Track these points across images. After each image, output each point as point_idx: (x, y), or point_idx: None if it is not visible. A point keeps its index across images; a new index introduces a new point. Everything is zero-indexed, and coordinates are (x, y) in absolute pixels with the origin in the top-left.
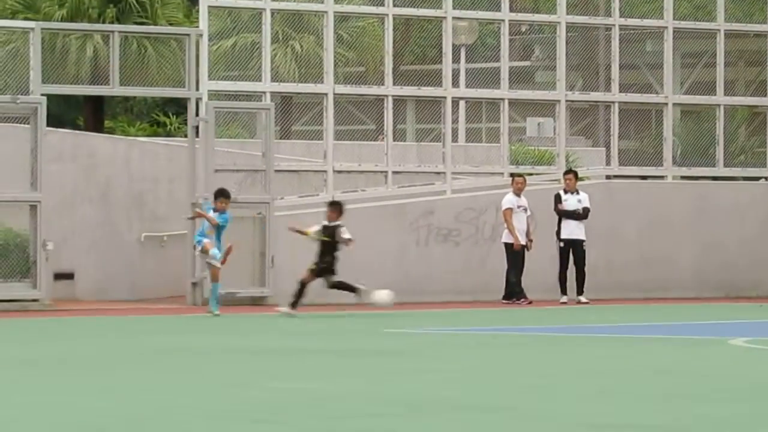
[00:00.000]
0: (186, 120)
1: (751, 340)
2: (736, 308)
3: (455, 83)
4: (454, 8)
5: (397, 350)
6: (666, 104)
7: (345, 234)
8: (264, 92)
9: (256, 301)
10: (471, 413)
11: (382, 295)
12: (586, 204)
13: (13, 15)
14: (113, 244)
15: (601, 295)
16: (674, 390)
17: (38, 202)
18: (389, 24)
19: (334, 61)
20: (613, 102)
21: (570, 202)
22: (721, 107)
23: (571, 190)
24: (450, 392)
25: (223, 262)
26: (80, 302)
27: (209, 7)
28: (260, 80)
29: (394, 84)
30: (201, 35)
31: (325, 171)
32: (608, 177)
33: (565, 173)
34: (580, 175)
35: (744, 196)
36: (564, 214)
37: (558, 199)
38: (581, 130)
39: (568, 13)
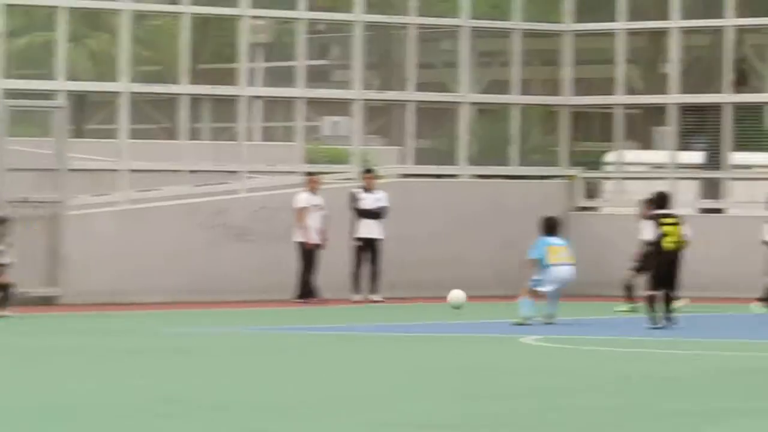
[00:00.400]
0: None
1: (541, 338)
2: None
3: (251, 82)
4: (250, 7)
5: (184, 349)
6: (461, 103)
7: None
8: (59, 91)
9: (47, 301)
10: (259, 412)
11: None
12: (384, 203)
13: None
14: None
15: (397, 294)
16: (464, 388)
17: None
18: (186, 22)
19: (130, 59)
20: (409, 101)
21: (368, 201)
22: (516, 106)
23: (371, 189)
24: (247, 391)
25: None
26: None
27: (5, 4)
28: (55, 78)
29: (190, 83)
30: None
31: (120, 170)
32: (403, 176)
33: (366, 172)
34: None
35: (538, 194)
36: (361, 213)
37: (355, 198)
38: (377, 128)
39: (364, 12)
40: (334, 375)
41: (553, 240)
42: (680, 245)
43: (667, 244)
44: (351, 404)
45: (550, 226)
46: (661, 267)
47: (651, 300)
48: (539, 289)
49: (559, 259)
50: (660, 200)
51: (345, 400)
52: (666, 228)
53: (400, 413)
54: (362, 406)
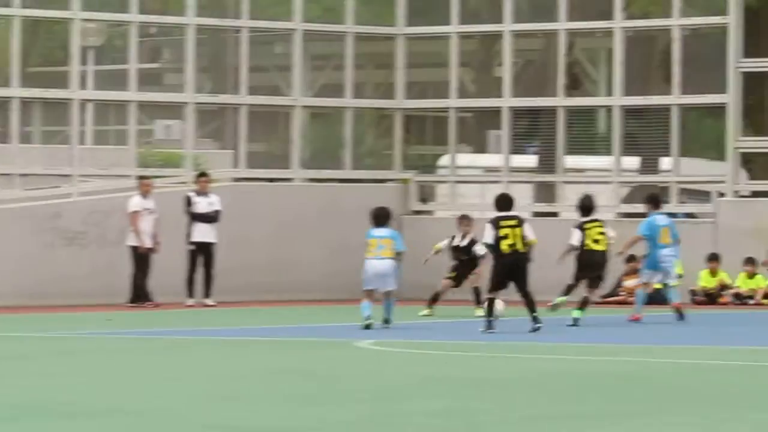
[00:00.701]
0: None
1: (376, 342)
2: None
3: (83, 85)
4: (82, 10)
5: (17, 354)
6: (294, 106)
7: None
8: None
9: None
10: (95, 418)
11: None
12: (218, 206)
13: None
14: None
15: (230, 298)
16: (298, 392)
17: None
18: (16, 25)
19: None
20: (242, 104)
21: (201, 205)
22: (350, 109)
23: (204, 192)
24: (71, 396)
25: None
26: None
27: None
28: None
29: (20, 86)
30: None
31: None
32: (237, 179)
33: (199, 176)
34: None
35: (372, 198)
36: (195, 217)
37: (189, 201)
38: (210, 132)
39: (196, 15)
40: (164, 379)
41: (375, 231)
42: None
43: (505, 247)
44: (180, 408)
45: (377, 217)
46: (499, 270)
47: (489, 304)
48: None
49: (374, 253)
50: (501, 203)
51: (174, 403)
52: (504, 231)
53: (229, 417)
54: (190, 410)
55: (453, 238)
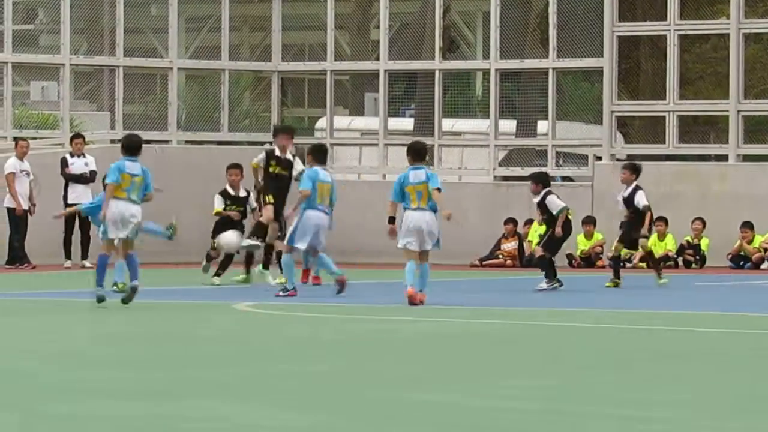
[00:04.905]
0: None
1: (254, 305)
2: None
3: None
4: None
5: None
6: (171, 69)
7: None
8: None
9: None
10: None
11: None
12: (93, 167)
13: None
14: None
15: None
16: (176, 354)
17: None
18: None
19: None
20: (118, 66)
21: (77, 166)
22: (226, 72)
23: (78, 153)
24: None
25: None
26: None
27: None
28: None
29: None
30: None
31: None
32: (113, 141)
33: (74, 137)
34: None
35: (248, 160)
36: (71, 178)
37: (64, 162)
38: (86, 94)
39: None
40: (39, 340)
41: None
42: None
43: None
44: (54, 368)
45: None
46: None
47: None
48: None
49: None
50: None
51: (48, 363)
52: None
53: (106, 380)
54: (64, 371)
55: None
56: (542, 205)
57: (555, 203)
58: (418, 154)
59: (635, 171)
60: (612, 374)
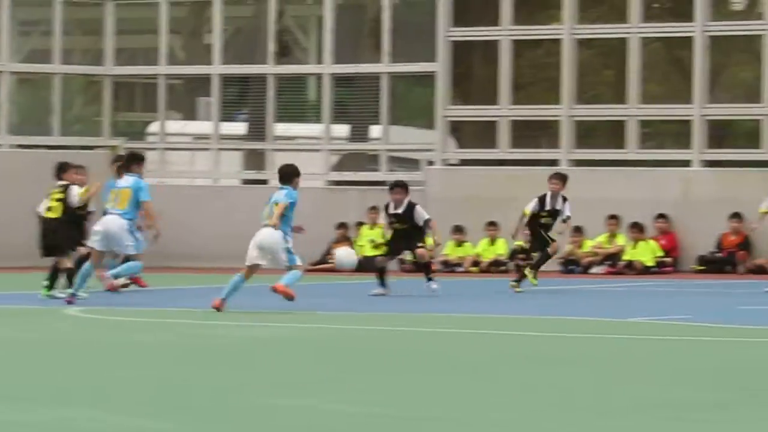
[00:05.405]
0: None
1: (85, 310)
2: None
3: None
4: None
5: None
6: (2, 72)
7: None
8: None
9: None
10: None
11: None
12: None
13: None
14: None
15: None
16: (8, 359)
17: None
18: None
19: None
20: None
21: None
22: (58, 76)
23: None
24: None
25: None
26: None
27: None
28: None
29: None
30: None
31: None
32: None
33: None
34: None
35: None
36: None
37: None
38: None
39: None
40: None
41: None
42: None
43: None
44: None
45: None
46: None
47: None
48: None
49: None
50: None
51: None
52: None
53: None
54: None
55: None
56: (404, 215)
57: (422, 214)
58: (281, 177)
59: (563, 180)
60: (461, 378)
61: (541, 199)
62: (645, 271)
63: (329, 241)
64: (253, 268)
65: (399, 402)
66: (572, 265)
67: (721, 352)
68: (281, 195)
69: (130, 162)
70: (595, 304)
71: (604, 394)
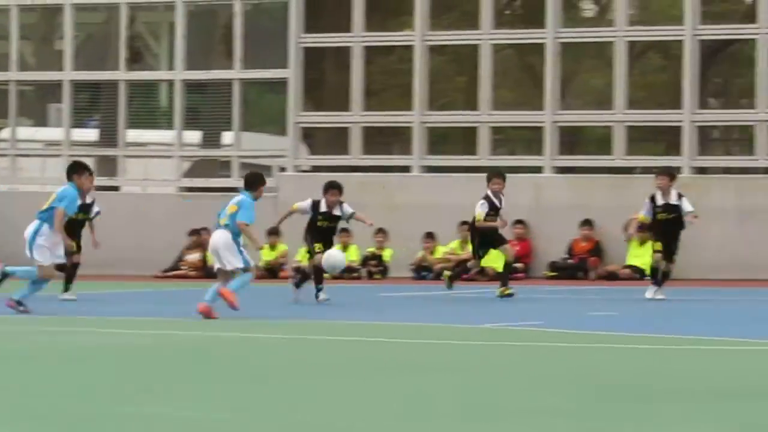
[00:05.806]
0: None
1: None
2: None
3: None
4: None
5: None
6: None
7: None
8: None
9: None
10: None
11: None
12: None
13: None
14: None
15: None
16: None
17: None
18: None
19: None
20: None
21: None
22: None
23: None
24: None
25: None
26: None
27: None
28: None
29: None
30: None
31: None
32: None
33: None
34: None
35: None
36: None
37: None
38: None
39: None
40: None
41: None
42: None
43: None
44: None
45: None
46: None
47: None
48: None
49: None
50: None
51: None
52: None
53: None
54: None
55: None
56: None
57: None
58: (246, 182)
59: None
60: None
61: (490, 200)
62: (497, 277)
63: (181, 247)
64: (220, 273)
65: (249, 409)
66: (424, 272)
67: (575, 357)
68: (236, 199)
69: None
70: (448, 310)
71: (462, 401)
